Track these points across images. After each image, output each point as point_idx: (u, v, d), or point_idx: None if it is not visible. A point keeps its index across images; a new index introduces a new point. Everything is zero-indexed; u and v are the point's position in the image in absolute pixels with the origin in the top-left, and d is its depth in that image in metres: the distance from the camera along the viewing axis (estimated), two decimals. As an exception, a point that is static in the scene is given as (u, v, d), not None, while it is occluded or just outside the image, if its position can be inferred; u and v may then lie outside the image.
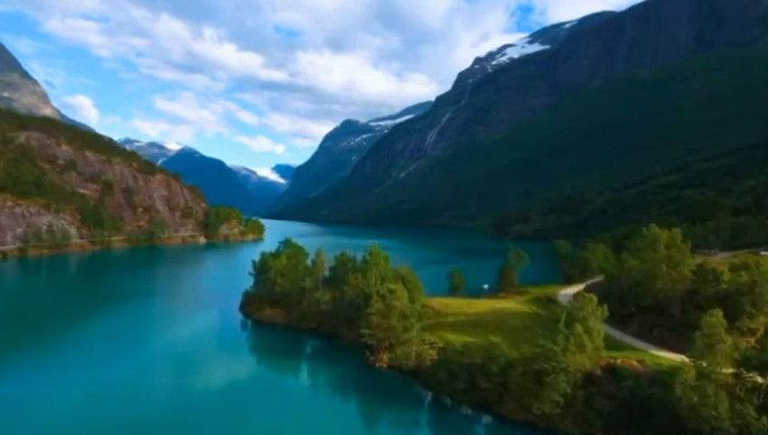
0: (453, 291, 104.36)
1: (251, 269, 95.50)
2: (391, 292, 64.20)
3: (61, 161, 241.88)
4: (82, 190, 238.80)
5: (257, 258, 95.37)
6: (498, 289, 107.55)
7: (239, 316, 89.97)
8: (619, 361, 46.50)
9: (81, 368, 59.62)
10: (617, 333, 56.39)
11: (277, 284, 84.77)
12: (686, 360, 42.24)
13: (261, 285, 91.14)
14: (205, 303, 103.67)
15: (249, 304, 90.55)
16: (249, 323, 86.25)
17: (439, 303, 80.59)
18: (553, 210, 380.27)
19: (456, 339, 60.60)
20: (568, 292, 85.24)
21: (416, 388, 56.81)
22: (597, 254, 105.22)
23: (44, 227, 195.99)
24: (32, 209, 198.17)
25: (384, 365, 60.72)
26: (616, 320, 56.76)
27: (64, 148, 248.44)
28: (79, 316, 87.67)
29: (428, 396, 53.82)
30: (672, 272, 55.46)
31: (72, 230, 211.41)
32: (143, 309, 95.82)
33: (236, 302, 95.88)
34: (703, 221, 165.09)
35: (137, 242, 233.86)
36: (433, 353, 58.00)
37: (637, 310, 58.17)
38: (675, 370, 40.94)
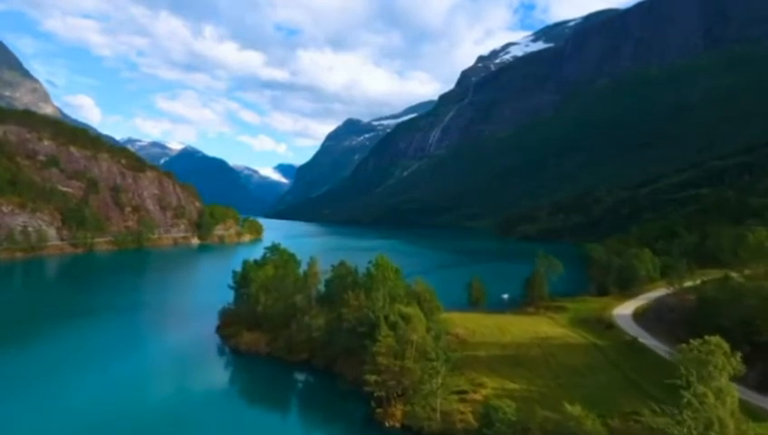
0: (472, 304, 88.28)
1: (231, 281, 79.13)
2: (405, 319, 47.69)
3: (41, 157, 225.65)
4: (64, 188, 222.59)
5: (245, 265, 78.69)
6: (525, 302, 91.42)
7: (215, 340, 73.14)
8: (772, 447, 30.19)
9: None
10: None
11: (259, 301, 67.68)
12: None
13: (241, 301, 74.30)
14: (177, 320, 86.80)
15: (227, 326, 73.36)
16: (226, 349, 69.52)
17: (464, 327, 63.44)
18: (561, 210, 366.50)
19: (495, 386, 44.30)
20: (624, 312, 68.33)
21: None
22: (644, 260, 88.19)
23: (18, 228, 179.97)
24: (4, 209, 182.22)
25: (397, 423, 43.52)
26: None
27: (46, 143, 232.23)
28: (11, 341, 70.74)
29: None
30: (810, 298, 39.32)
31: (51, 231, 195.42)
32: (98, 330, 78.70)
33: (216, 319, 79.38)
34: (741, 222, 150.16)
35: (123, 244, 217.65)
36: (466, 411, 41.29)
37: (753, 350, 41.59)
38: None
